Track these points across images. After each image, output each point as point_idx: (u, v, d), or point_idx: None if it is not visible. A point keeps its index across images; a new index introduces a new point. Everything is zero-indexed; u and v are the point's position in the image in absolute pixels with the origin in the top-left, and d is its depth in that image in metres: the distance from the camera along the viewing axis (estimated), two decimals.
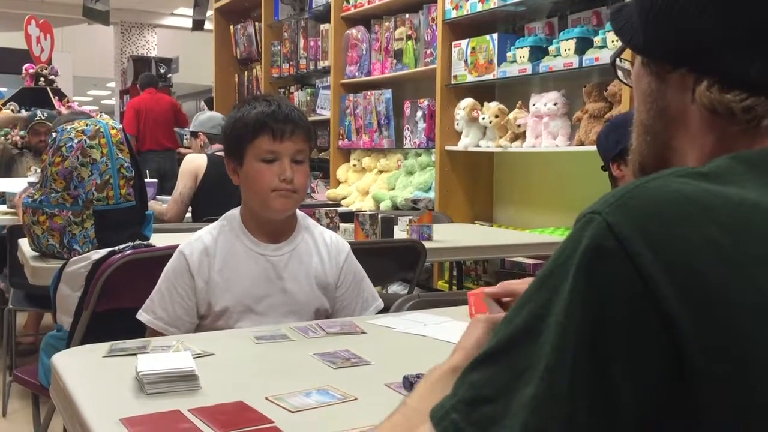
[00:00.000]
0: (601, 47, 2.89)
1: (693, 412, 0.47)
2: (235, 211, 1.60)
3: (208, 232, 1.59)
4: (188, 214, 3.41)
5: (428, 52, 3.94)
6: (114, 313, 1.81)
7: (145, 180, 2.45)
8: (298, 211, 1.63)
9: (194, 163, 3.34)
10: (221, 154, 3.29)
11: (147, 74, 7.69)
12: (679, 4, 0.61)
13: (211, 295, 1.53)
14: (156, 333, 1.52)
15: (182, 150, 7.36)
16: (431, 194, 3.87)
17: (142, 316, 1.53)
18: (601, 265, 0.49)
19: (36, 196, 2.20)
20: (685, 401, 0.48)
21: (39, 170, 2.23)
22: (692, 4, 0.60)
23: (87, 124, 2.21)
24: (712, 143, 0.62)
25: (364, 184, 4.43)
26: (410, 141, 4.10)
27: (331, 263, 1.61)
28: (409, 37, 4.08)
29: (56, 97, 5.97)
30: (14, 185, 3.44)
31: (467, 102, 3.61)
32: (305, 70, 5.14)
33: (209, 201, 3.22)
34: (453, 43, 3.68)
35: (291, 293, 1.55)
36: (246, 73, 6.16)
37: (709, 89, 0.60)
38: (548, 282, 0.52)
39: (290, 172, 1.50)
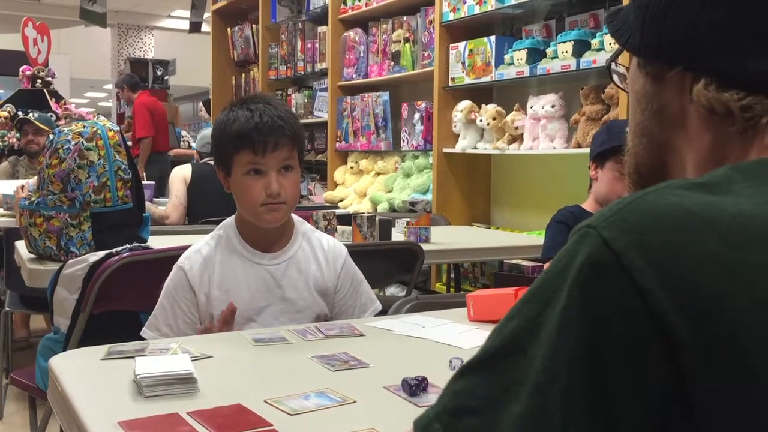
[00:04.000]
0: (598, 50, 2.89)
1: (695, 427, 0.46)
2: (231, 221, 1.58)
3: (206, 243, 1.57)
4: None
5: (426, 54, 3.94)
6: (111, 316, 1.81)
7: (143, 182, 2.45)
8: (294, 216, 1.61)
9: (181, 171, 3.56)
10: (208, 161, 3.51)
11: (130, 75, 7.54)
12: (676, 2, 0.60)
13: (213, 309, 1.52)
14: None
15: (178, 151, 7.37)
16: (429, 196, 3.86)
17: (146, 333, 1.51)
18: (597, 281, 0.48)
19: (33, 198, 2.19)
20: (687, 416, 0.46)
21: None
22: (689, 1, 0.60)
23: (84, 126, 2.20)
24: (708, 143, 0.62)
25: (362, 186, 4.42)
26: (408, 143, 4.10)
27: (329, 269, 1.60)
28: (406, 40, 4.08)
29: (53, 99, 5.95)
30: (11, 187, 3.44)
31: (465, 104, 3.62)
32: (303, 72, 5.14)
33: (198, 206, 3.45)
34: (450, 45, 3.68)
35: (291, 301, 1.55)
36: (243, 75, 6.16)
37: (707, 88, 0.59)
38: (539, 294, 0.51)
39: (276, 186, 1.47)
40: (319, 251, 1.60)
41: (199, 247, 1.56)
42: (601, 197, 2.17)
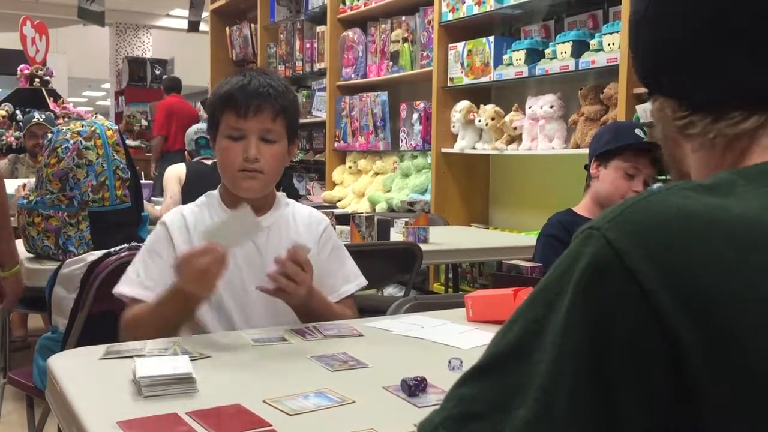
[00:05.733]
0: (597, 50, 2.89)
1: (698, 428, 0.46)
2: (215, 191, 1.60)
3: (189, 207, 1.58)
4: None
5: (424, 54, 3.94)
6: (109, 315, 1.80)
7: (141, 181, 2.45)
8: (277, 192, 1.62)
9: (176, 170, 3.51)
10: (202, 160, 3.49)
11: (172, 77, 7.82)
12: (639, 31, 0.63)
13: None
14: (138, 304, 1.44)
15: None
16: (427, 196, 3.87)
17: (125, 290, 1.45)
18: (601, 282, 0.48)
19: (31, 198, 2.19)
20: (690, 417, 0.47)
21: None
22: (645, 29, 0.62)
23: (83, 126, 2.20)
24: (681, 160, 0.64)
25: (360, 186, 4.42)
26: (406, 143, 4.10)
27: (310, 232, 1.60)
28: (405, 40, 4.08)
29: (51, 98, 5.95)
30: (10, 186, 3.43)
31: (463, 104, 3.62)
32: (301, 72, 5.14)
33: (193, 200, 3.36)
34: (449, 45, 3.68)
35: (273, 266, 1.54)
36: None
37: (661, 110, 0.62)
38: (542, 296, 0.51)
39: (254, 151, 1.46)
40: (300, 219, 1.61)
41: (182, 209, 1.58)
42: (602, 196, 2.14)
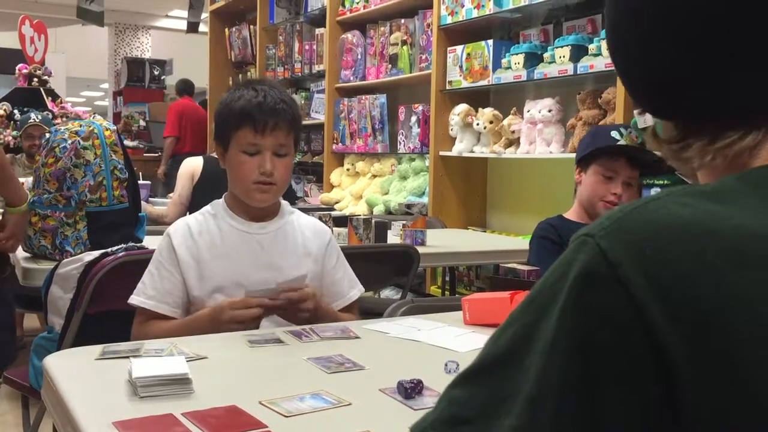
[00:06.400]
0: (595, 55, 2.89)
1: None
2: (221, 200, 1.64)
3: (194, 216, 1.63)
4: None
5: (423, 57, 3.94)
6: (106, 316, 1.81)
7: (139, 181, 2.45)
8: (281, 199, 1.66)
9: (191, 164, 3.41)
10: (215, 155, 3.43)
11: (185, 80, 7.84)
12: (637, 61, 0.62)
13: (203, 272, 1.54)
14: (147, 314, 1.53)
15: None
16: (425, 199, 3.87)
17: (134, 300, 1.54)
18: (591, 292, 0.47)
19: (28, 197, 2.19)
20: (677, 431, 0.46)
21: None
22: (631, 55, 0.61)
23: (81, 125, 2.20)
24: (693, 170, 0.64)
25: (358, 189, 4.42)
26: (404, 146, 4.10)
27: (317, 239, 1.65)
28: (404, 42, 4.08)
29: (49, 98, 5.94)
30: None
31: (462, 107, 3.62)
32: (300, 74, 5.14)
33: (206, 199, 3.24)
34: (448, 48, 3.68)
35: (280, 269, 1.57)
36: (241, 76, 6.16)
37: (654, 135, 0.62)
38: (536, 302, 0.51)
39: (270, 166, 1.52)
40: (306, 226, 1.66)
41: (187, 218, 1.63)
42: (584, 200, 2.20)
